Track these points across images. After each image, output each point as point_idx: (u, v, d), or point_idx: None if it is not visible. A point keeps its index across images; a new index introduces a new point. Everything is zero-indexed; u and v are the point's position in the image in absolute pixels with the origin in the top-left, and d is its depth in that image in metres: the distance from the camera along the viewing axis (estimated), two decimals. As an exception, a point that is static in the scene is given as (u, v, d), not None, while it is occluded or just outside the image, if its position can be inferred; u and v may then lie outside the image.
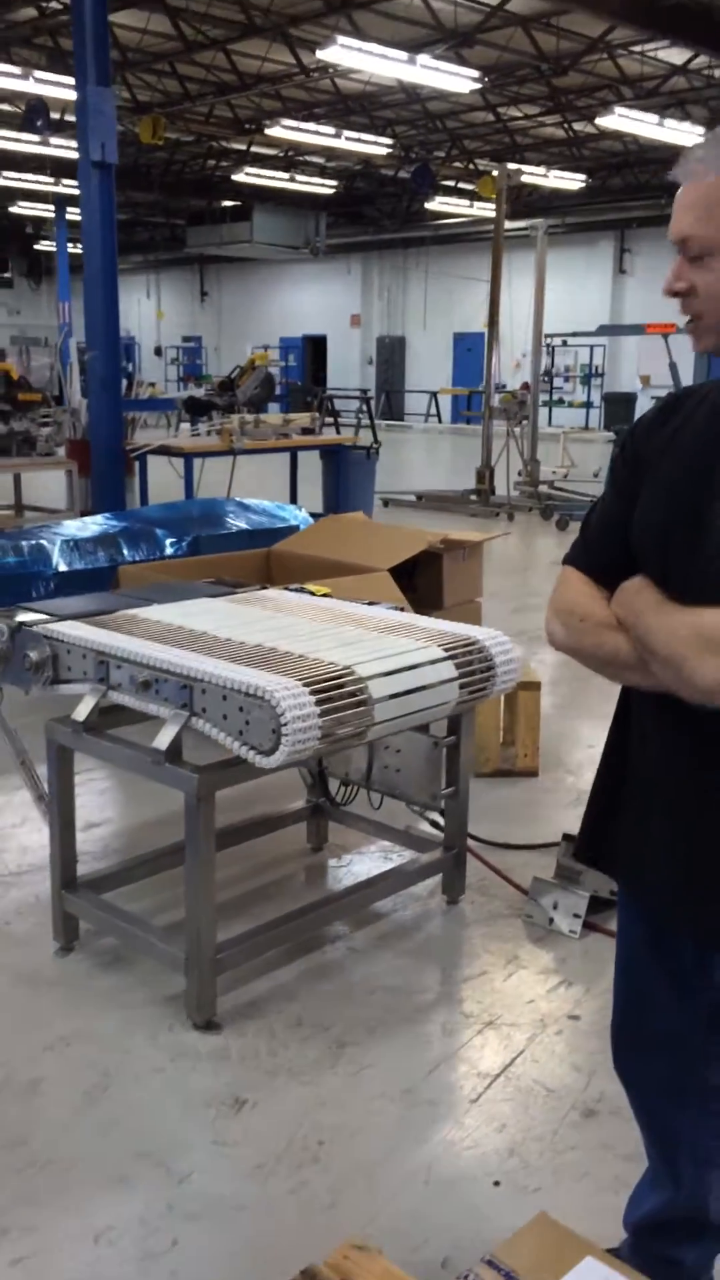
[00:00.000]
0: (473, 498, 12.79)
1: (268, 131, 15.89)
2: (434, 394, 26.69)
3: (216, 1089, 2.60)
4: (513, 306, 14.58)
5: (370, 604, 3.61)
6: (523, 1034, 2.83)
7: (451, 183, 21.61)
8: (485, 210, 20.13)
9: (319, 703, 2.61)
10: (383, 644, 2.99)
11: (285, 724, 2.53)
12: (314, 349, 31.25)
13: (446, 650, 2.99)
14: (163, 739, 2.74)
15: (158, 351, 32.67)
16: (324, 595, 3.79)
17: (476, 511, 12.28)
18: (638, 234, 24.35)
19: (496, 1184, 2.31)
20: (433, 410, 27.02)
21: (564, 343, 24.45)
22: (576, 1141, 2.43)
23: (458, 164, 20.29)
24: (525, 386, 13.90)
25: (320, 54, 11.65)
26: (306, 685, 2.62)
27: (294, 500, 10.22)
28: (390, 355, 29.76)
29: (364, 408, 22.62)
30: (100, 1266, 2.09)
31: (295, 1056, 2.72)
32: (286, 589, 3.83)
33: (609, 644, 1.59)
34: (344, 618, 3.31)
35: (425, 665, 2.91)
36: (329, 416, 22.27)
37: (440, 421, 26.89)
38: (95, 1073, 2.65)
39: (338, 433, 15.27)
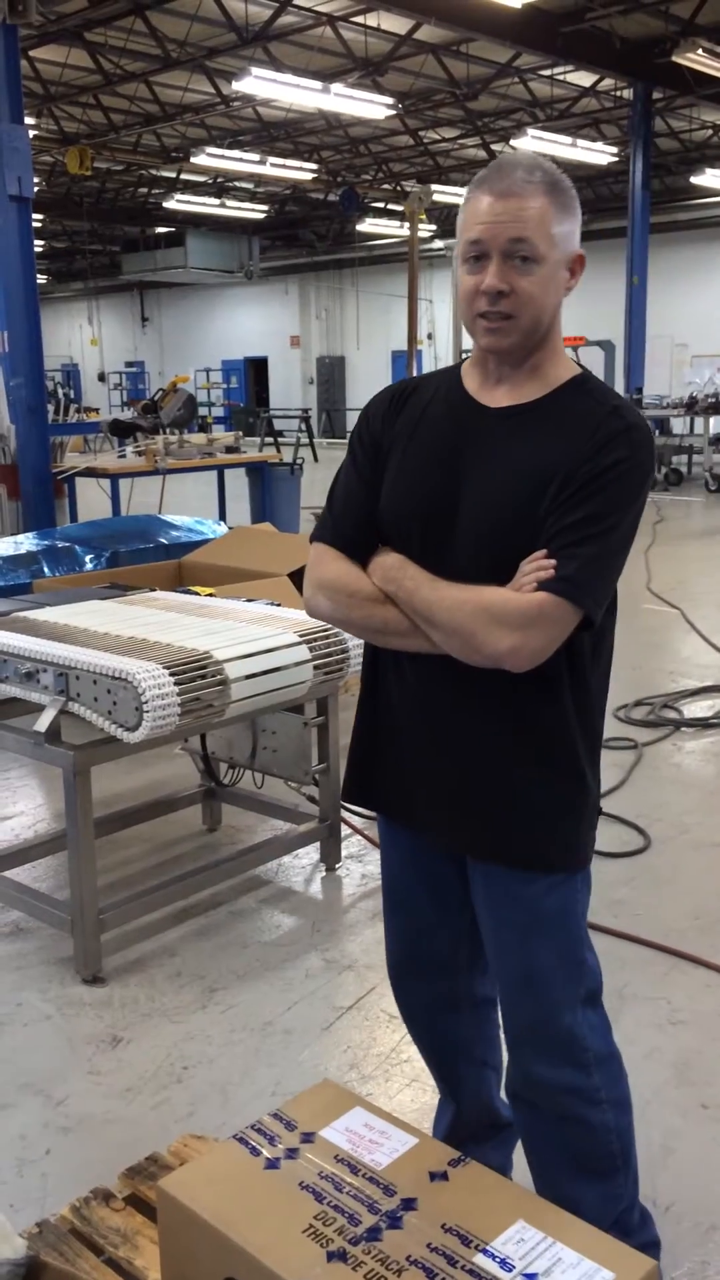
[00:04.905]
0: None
1: (194, 160, 16.29)
2: (374, 411, 27.08)
3: (97, 1031, 2.91)
4: (449, 322, 15.00)
5: (249, 601, 3.95)
6: (377, 974, 3.15)
7: (381, 204, 22.12)
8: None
9: (178, 683, 2.94)
10: (244, 632, 3.33)
11: (146, 702, 2.87)
12: (255, 370, 31.63)
13: (301, 636, 3.33)
14: (42, 722, 3.05)
15: (101, 377, 32.91)
16: (208, 595, 4.13)
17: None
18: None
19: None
20: (374, 427, 27.40)
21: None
22: (410, 1055, 2.77)
23: (385, 186, 20.79)
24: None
25: (236, 85, 12.04)
26: (167, 668, 2.95)
27: (222, 516, 10.56)
28: (330, 374, 30.18)
29: (303, 427, 23.06)
30: (-19, 1174, 2.40)
31: (170, 1001, 3.04)
32: (174, 591, 4.16)
33: (378, 616, 1.78)
34: (217, 612, 3.65)
35: (280, 649, 3.25)
36: (269, 436, 22.72)
37: (381, 437, 27.29)
38: (-11, 1023, 2.96)
39: (278, 451, 15.64)
